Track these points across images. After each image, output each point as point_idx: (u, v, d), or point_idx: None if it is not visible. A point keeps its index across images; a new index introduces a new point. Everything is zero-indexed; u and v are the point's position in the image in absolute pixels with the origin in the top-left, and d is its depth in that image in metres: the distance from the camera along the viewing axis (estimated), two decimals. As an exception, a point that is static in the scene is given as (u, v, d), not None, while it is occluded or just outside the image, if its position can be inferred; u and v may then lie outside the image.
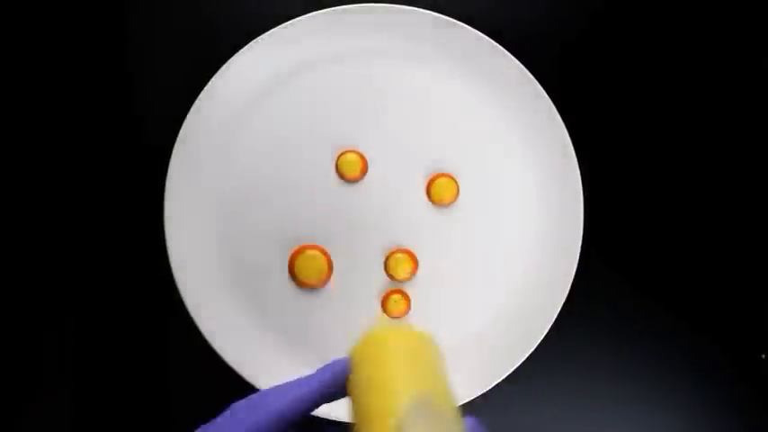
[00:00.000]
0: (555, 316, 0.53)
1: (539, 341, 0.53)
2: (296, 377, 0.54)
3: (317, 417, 0.53)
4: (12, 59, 0.56)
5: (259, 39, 0.53)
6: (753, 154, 0.58)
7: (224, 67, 0.53)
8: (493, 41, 0.54)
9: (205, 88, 0.53)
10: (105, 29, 0.56)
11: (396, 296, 0.54)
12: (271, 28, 0.53)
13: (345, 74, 0.55)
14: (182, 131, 0.53)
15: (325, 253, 0.54)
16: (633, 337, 0.56)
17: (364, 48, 0.54)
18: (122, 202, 0.55)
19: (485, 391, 0.53)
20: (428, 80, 0.55)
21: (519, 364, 0.53)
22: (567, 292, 0.54)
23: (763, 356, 0.57)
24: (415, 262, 0.55)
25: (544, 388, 0.56)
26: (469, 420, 0.37)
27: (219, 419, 0.38)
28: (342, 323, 0.55)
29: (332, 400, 0.39)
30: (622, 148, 0.57)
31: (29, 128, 0.56)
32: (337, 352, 0.55)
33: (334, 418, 0.53)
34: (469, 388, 0.53)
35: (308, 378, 0.39)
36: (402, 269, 0.55)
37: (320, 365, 0.54)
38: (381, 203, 0.55)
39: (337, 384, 0.39)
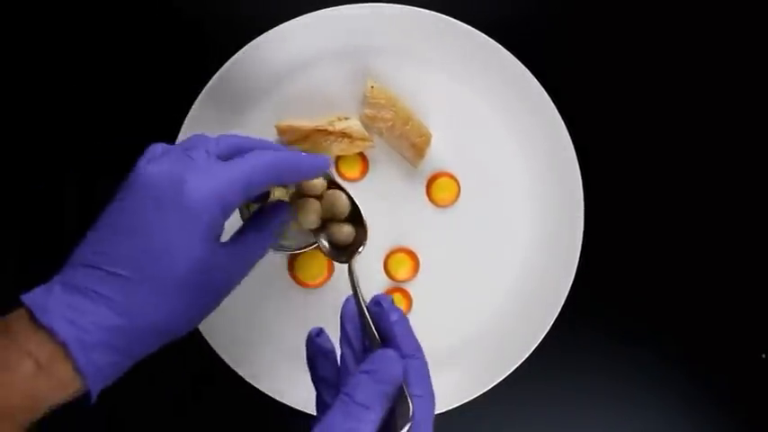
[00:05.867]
0: (555, 316, 0.53)
1: (539, 341, 0.53)
2: (296, 382, 0.53)
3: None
4: (10, 63, 0.56)
5: (259, 38, 0.53)
6: (752, 152, 0.58)
7: (224, 67, 0.53)
8: (493, 41, 0.53)
9: (205, 88, 0.53)
10: (105, 29, 0.56)
11: (396, 295, 0.54)
12: (270, 28, 0.53)
13: (344, 73, 0.54)
14: (182, 131, 0.53)
15: (325, 253, 0.54)
16: (633, 336, 0.56)
17: (363, 47, 0.54)
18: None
19: (485, 391, 0.53)
20: (428, 79, 0.55)
21: (519, 364, 0.53)
22: (567, 291, 0.54)
23: (764, 356, 0.57)
24: (416, 262, 0.55)
25: (544, 388, 0.56)
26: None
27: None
28: (342, 323, 0.54)
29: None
30: (623, 147, 0.57)
31: (28, 129, 0.56)
32: (337, 351, 0.54)
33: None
34: (470, 388, 0.53)
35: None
36: (402, 269, 0.55)
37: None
38: (381, 203, 0.55)
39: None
